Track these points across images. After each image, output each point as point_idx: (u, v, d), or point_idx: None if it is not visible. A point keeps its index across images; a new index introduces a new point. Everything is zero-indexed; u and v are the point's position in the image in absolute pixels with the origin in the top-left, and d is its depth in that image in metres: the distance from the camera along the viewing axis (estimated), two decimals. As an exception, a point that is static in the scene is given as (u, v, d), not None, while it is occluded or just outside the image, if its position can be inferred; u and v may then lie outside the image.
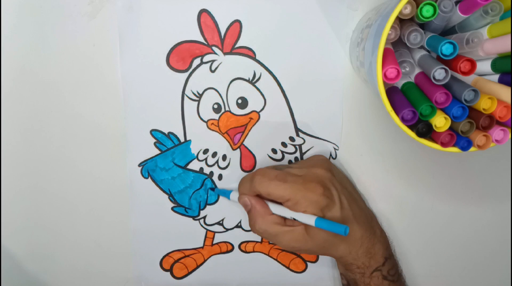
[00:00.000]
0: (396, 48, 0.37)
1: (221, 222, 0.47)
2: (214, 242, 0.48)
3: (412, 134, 0.34)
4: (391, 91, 0.37)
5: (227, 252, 0.48)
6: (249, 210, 0.41)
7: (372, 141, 0.45)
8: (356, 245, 0.41)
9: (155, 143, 0.45)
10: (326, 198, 0.39)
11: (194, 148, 0.45)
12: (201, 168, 0.46)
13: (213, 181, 0.46)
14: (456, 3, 0.33)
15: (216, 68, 0.43)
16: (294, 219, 0.39)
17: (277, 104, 0.44)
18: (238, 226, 0.47)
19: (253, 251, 0.48)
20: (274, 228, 0.39)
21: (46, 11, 0.42)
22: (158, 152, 0.45)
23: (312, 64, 0.43)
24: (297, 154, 0.45)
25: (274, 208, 0.40)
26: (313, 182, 0.39)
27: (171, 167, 0.46)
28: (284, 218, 0.40)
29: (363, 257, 0.41)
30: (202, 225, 0.47)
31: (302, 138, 0.45)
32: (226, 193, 0.44)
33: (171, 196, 0.46)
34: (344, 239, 0.40)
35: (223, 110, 0.44)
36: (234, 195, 0.43)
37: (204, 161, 0.46)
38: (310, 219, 0.38)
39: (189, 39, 0.43)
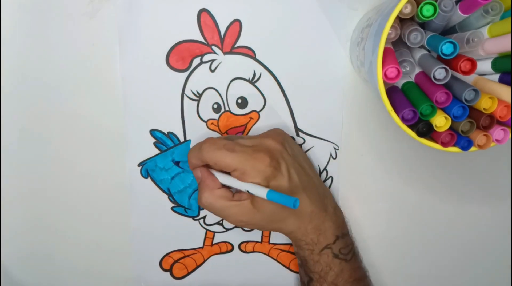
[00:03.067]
0: (396, 48, 0.37)
1: (221, 222, 0.47)
2: (214, 242, 0.48)
3: (412, 133, 0.34)
4: (391, 91, 0.37)
5: (227, 252, 0.48)
6: (199, 183, 0.40)
7: (372, 141, 0.45)
8: (305, 220, 0.40)
9: (154, 143, 0.45)
10: (272, 169, 0.38)
11: (194, 148, 0.45)
12: (201, 168, 0.46)
13: (213, 181, 0.46)
14: (457, 2, 0.33)
15: (216, 68, 0.43)
16: (248, 191, 0.38)
17: (277, 104, 0.44)
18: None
19: (253, 251, 0.48)
20: (220, 202, 0.39)
21: (46, 11, 0.42)
22: (158, 152, 0.45)
23: (312, 63, 0.43)
24: (297, 154, 0.45)
25: (223, 178, 0.39)
26: (261, 153, 0.38)
27: (171, 167, 0.45)
28: (233, 194, 0.39)
29: (311, 233, 0.40)
30: (202, 225, 0.47)
31: (302, 138, 0.45)
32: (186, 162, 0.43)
33: (170, 196, 0.46)
34: (293, 213, 0.39)
35: (223, 110, 0.44)
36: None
37: (204, 161, 0.45)
38: (262, 191, 0.36)
39: (189, 39, 0.43)
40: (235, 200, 0.39)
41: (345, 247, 0.42)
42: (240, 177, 0.38)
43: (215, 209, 0.39)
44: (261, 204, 0.38)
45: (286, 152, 0.40)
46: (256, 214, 0.39)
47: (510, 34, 0.32)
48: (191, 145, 0.45)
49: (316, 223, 0.40)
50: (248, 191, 0.38)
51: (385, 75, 0.33)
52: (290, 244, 0.48)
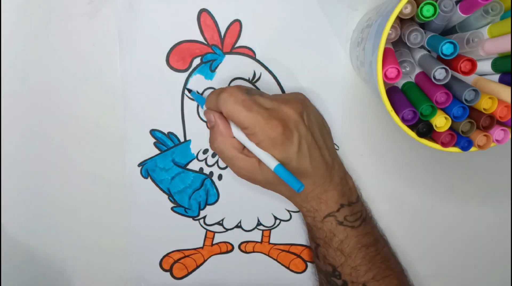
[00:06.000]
0: (397, 48, 0.37)
1: (221, 222, 0.47)
2: (214, 242, 0.48)
3: (412, 134, 0.34)
4: (391, 91, 0.37)
5: (227, 252, 0.48)
6: (212, 127, 0.40)
7: (372, 141, 0.45)
8: (306, 190, 0.40)
9: (154, 143, 0.45)
10: (283, 138, 0.37)
11: (194, 148, 0.45)
12: (201, 168, 0.46)
13: (212, 181, 0.46)
14: (457, 2, 0.33)
15: (216, 68, 0.43)
16: (258, 157, 0.38)
17: (277, 104, 0.44)
18: (238, 226, 0.47)
19: (253, 251, 0.48)
20: (231, 151, 0.39)
21: (46, 11, 0.42)
22: (158, 152, 0.45)
23: (312, 64, 0.43)
24: (297, 154, 0.45)
25: (236, 132, 0.39)
26: (276, 120, 0.37)
27: (171, 167, 0.45)
28: (243, 147, 0.40)
29: (312, 201, 0.41)
30: (202, 225, 0.47)
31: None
32: (201, 101, 0.42)
33: (170, 196, 0.46)
34: None
35: (223, 110, 0.44)
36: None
37: (204, 161, 0.45)
38: (271, 162, 0.37)
39: (189, 39, 0.43)
40: (244, 154, 0.39)
41: (352, 215, 0.41)
42: (250, 136, 0.38)
43: (225, 156, 0.40)
44: (266, 166, 0.38)
45: (302, 123, 0.39)
46: (259, 173, 0.39)
47: (510, 35, 0.32)
48: (191, 146, 0.45)
49: (318, 192, 0.40)
50: (258, 157, 0.38)
51: (385, 75, 0.33)
52: (290, 244, 0.48)
